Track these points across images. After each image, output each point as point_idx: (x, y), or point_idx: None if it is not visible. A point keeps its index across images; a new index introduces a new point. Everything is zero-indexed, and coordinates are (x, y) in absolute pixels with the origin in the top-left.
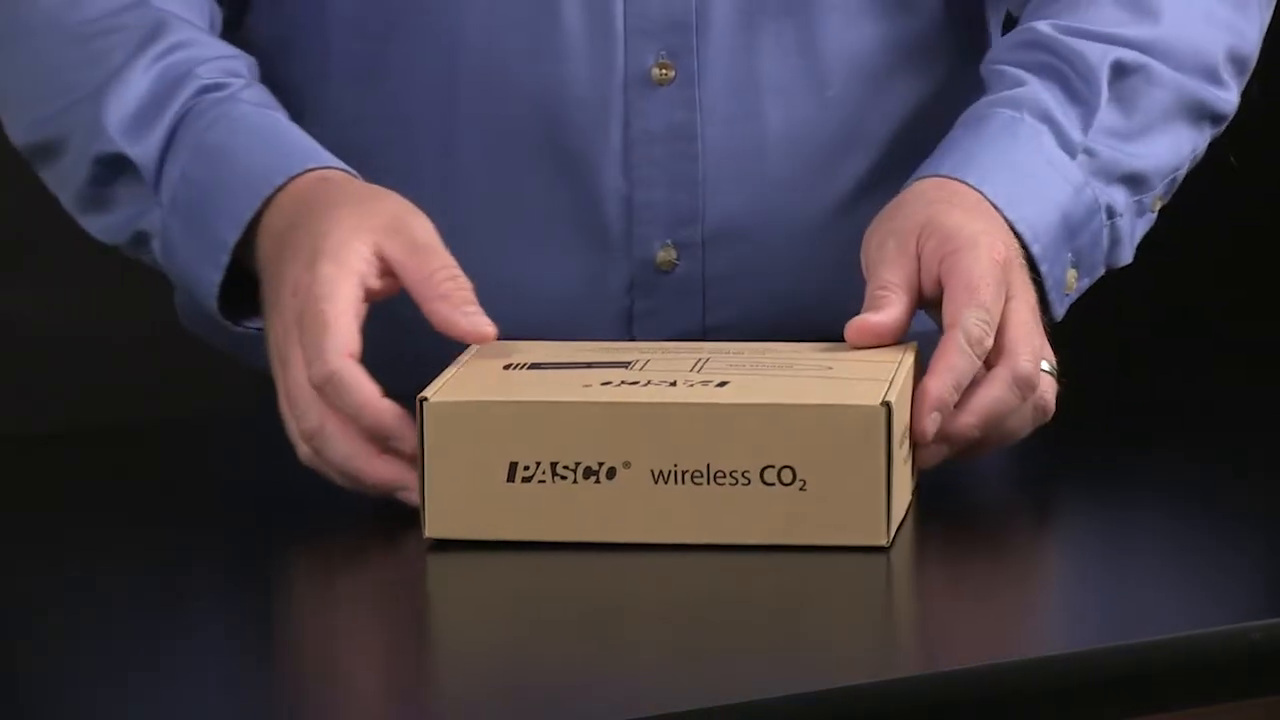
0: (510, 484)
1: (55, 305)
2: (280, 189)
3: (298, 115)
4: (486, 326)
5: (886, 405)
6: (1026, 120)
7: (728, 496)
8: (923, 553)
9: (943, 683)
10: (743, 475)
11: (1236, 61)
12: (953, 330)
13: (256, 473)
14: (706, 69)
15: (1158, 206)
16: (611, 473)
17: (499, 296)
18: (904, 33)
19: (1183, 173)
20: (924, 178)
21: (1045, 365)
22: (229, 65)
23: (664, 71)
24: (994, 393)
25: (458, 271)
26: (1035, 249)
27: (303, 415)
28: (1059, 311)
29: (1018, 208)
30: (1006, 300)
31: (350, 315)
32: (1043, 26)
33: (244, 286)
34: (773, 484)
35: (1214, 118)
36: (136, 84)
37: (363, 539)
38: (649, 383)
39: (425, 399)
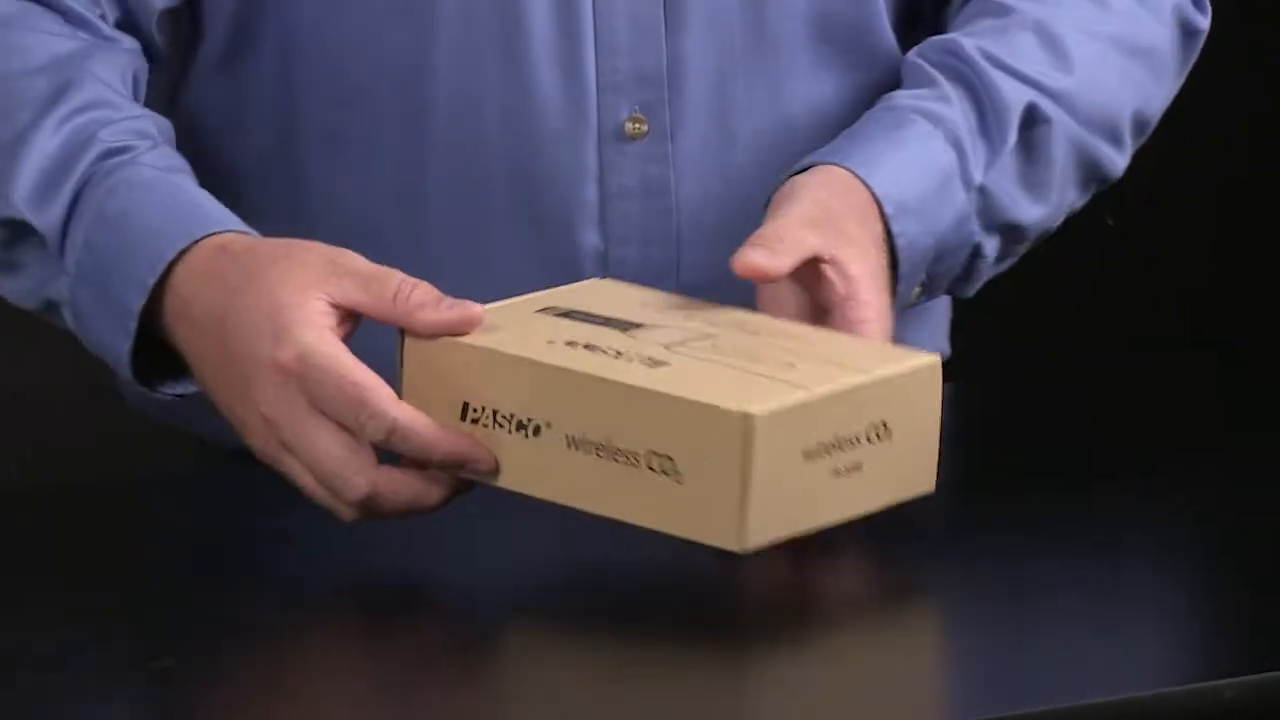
0: (463, 423)
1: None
2: (182, 255)
3: (260, 179)
4: (473, 308)
5: (748, 417)
6: (940, 138)
7: (620, 474)
8: (883, 608)
9: None
10: (632, 457)
11: (1138, 124)
12: None
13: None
14: (680, 123)
15: (1021, 253)
16: (537, 430)
17: None
18: (869, 83)
19: (1055, 227)
20: (829, 164)
21: None
22: (136, 126)
23: (637, 125)
24: None
25: (415, 280)
26: (904, 269)
27: (348, 487)
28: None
29: (904, 221)
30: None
31: (364, 365)
32: (968, 45)
33: (154, 352)
34: (655, 471)
35: (1102, 180)
36: (43, 147)
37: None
38: (604, 350)
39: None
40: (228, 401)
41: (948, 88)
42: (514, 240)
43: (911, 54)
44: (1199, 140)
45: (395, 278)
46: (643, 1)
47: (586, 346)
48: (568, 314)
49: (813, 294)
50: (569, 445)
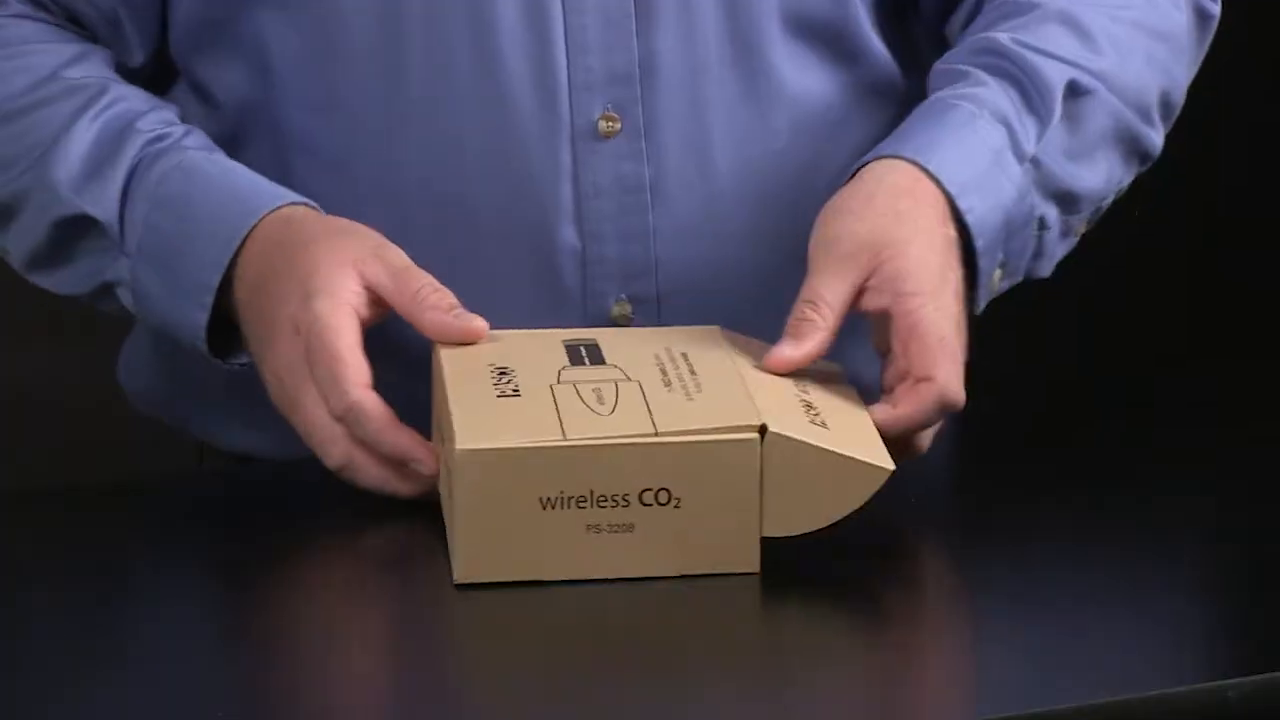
0: (435, 431)
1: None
2: (251, 230)
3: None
4: (476, 322)
5: (453, 451)
6: (985, 117)
7: (448, 493)
8: (884, 608)
9: None
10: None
11: (1166, 105)
12: (932, 385)
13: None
14: (654, 121)
15: (1080, 231)
16: (443, 442)
17: None
18: (852, 82)
19: (1107, 203)
20: (884, 157)
21: None
22: (163, 115)
23: (610, 124)
24: (918, 416)
25: (439, 285)
26: (979, 243)
27: (328, 453)
28: (980, 306)
29: (969, 198)
30: None
31: (358, 346)
32: (1001, 37)
33: (219, 329)
34: (446, 493)
35: (1143, 155)
36: (79, 142)
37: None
38: (509, 377)
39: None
40: (258, 356)
41: (982, 75)
42: (492, 240)
43: (938, 63)
44: (1199, 137)
45: (422, 278)
46: None
47: (501, 371)
48: (571, 346)
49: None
50: (443, 463)
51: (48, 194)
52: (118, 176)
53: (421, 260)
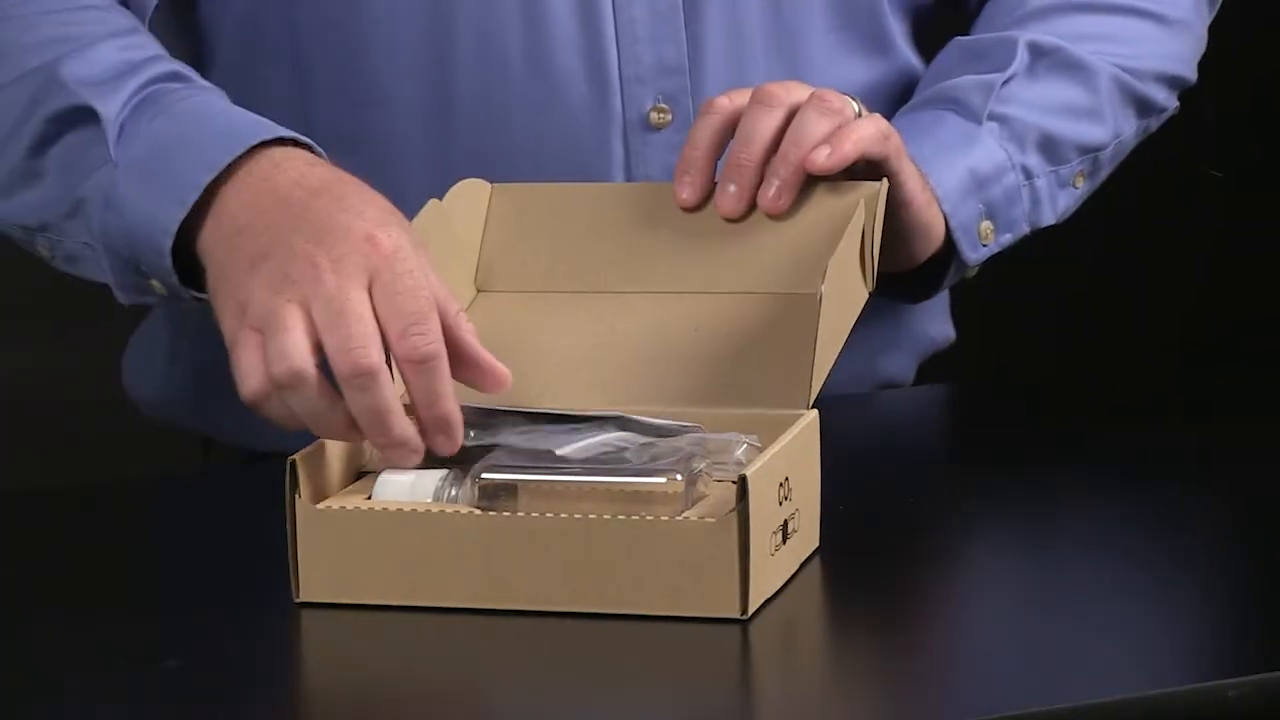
0: None
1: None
2: (266, 145)
3: None
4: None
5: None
6: (933, 112)
7: None
8: (883, 607)
9: None
10: None
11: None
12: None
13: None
14: None
15: (1080, 183)
16: None
17: None
18: (880, 74)
19: (1109, 155)
20: None
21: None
22: (188, 71)
23: (661, 115)
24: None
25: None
26: (939, 191)
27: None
28: (971, 257)
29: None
30: None
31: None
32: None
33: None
34: None
35: (1141, 106)
36: (104, 56)
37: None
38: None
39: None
40: (246, 269)
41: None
42: None
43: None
44: (1198, 138)
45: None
46: None
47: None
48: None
49: None
50: None
51: (52, 87)
52: (133, 84)
53: None
